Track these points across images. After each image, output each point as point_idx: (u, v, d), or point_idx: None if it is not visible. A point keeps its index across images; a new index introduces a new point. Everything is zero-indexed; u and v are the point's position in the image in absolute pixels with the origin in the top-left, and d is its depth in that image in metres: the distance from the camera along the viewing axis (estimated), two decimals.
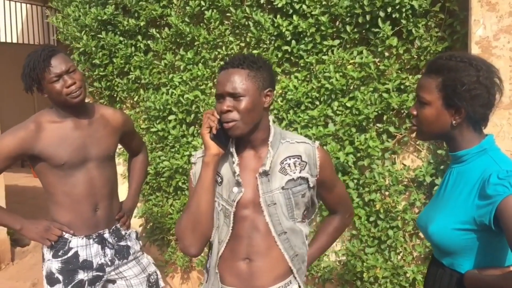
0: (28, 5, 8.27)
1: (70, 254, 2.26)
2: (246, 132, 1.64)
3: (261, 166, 1.67)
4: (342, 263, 3.23)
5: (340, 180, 1.92)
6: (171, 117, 3.58)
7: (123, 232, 2.43)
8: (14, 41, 8.16)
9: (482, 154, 1.53)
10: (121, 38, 3.73)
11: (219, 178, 1.72)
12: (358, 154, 3.03)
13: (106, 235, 2.35)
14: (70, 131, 2.23)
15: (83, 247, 2.29)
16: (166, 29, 3.56)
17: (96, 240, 2.31)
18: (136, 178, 2.66)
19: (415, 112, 1.61)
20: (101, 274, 2.33)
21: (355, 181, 3.06)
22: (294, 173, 1.69)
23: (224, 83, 1.62)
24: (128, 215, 2.52)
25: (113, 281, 2.42)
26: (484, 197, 1.43)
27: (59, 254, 2.26)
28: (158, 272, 2.54)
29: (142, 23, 3.62)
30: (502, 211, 1.37)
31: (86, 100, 2.35)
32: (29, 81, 2.17)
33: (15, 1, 8.03)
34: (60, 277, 2.25)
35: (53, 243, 2.25)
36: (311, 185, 1.72)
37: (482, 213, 1.43)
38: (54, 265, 2.26)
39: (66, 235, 2.27)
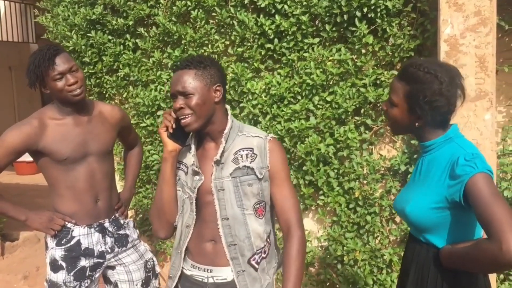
0: (5, 2, 8.15)
1: (72, 242, 2.38)
2: (200, 126, 1.79)
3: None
4: (323, 248, 3.41)
5: (292, 185, 1.88)
6: (160, 112, 3.72)
7: (122, 221, 2.56)
8: None
9: (448, 142, 1.70)
10: (110, 37, 3.84)
11: (185, 168, 1.89)
12: (338, 146, 3.21)
13: (106, 224, 2.48)
14: (71, 128, 2.34)
15: (85, 235, 2.40)
16: (154, 28, 3.68)
17: (97, 229, 2.44)
18: (132, 170, 2.80)
19: (385, 108, 1.80)
20: (101, 261, 2.45)
21: (335, 170, 3.24)
22: (244, 163, 1.81)
23: (175, 83, 1.77)
24: (126, 205, 2.65)
25: (113, 267, 2.54)
26: (454, 177, 1.58)
27: (62, 242, 2.37)
28: (155, 259, 2.66)
29: (130, 22, 3.73)
30: (470, 188, 1.53)
31: None
32: (33, 77, 2.27)
33: None
34: (64, 264, 2.37)
35: (56, 232, 2.38)
36: (259, 176, 1.81)
37: (452, 192, 1.59)
38: (58, 252, 2.37)
39: (69, 225, 2.38)
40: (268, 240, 1.89)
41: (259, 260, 1.86)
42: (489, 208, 1.48)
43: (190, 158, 1.87)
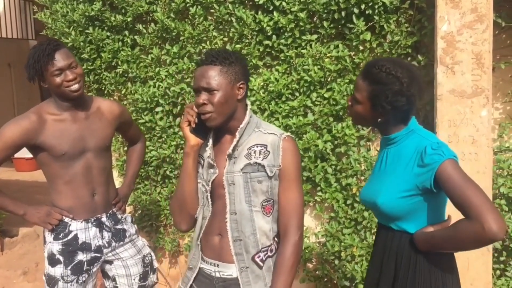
0: None
1: (70, 236, 2.40)
2: (221, 123, 1.80)
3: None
4: (321, 243, 3.43)
5: (301, 189, 1.85)
6: (158, 108, 3.73)
7: (119, 216, 2.58)
8: None
9: (410, 134, 1.82)
10: (109, 34, 3.85)
11: (202, 161, 1.91)
12: (336, 142, 3.22)
13: (104, 219, 2.50)
14: (69, 124, 2.36)
15: (82, 230, 2.43)
16: (152, 24, 3.69)
17: (94, 223, 2.46)
18: (133, 166, 2.81)
19: (350, 103, 1.90)
20: (99, 255, 2.48)
21: (333, 167, 3.26)
22: (256, 159, 1.81)
23: (200, 78, 1.77)
24: (124, 200, 2.67)
25: (110, 262, 2.56)
26: (423, 166, 1.70)
27: (60, 236, 2.40)
28: (153, 254, 2.68)
29: (129, 19, 3.74)
30: (441, 174, 1.65)
31: None
32: (33, 72, 2.29)
33: None
34: (61, 258, 2.39)
35: (54, 226, 2.40)
36: (270, 174, 1.79)
37: (423, 179, 1.70)
38: (55, 247, 2.40)
39: (66, 219, 2.40)
40: (275, 239, 1.89)
41: (264, 258, 1.85)
42: (464, 192, 1.61)
43: (206, 151, 1.88)
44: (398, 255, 1.83)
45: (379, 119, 1.83)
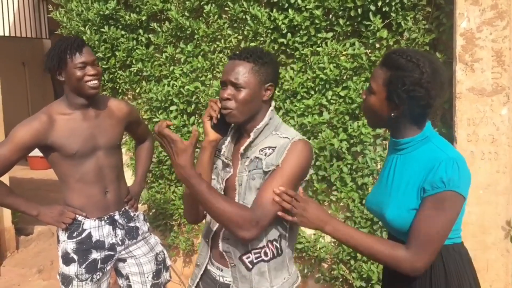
0: None
1: (84, 235, 2.41)
2: (241, 121, 1.76)
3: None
4: (336, 243, 3.39)
5: (286, 184, 1.69)
6: (173, 107, 3.72)
7: (131, 214, 2.58)
8: (6, 34, 8.12)
9: (425, 142, 1.66)
10: (123, 32, 3.85)
11: (221, 160, 1.87)
12: (352, 141, 3.18)
13: (117, 216, 2.50)
14: (79, 123, 2.37)
15: (95, 228, 2.43)
16: (167, 23, 3.68)
17: (107, 221, 2.46)
18: (142, 164, 2.82)
19: (364, 96, 1.73)
20: (112, 253, 2.48)
21: (349, 166, 3.22)
22: (257, 154, 1.75)
23: (229, 72, 1.73)
24: (136, 198, 2.67)
25: (124, 260, 2.56)
26: (428, 182, 1.57)
27: (74, 235, 2.41)
28: (165, 252, 2.68)
29: (143, 18, 3.73)
30: (433, 200, 1.56)
31: None
32: (56, 60, 2.30)
33: None
34: (75, 257, 2.40)
35: (67, 225, 2.40)
36: (265, 169, 1.71)
37: (423, 194, 1.60)
38: (69, 245, 2.41)
39: (80, 218, 2.41)
40: (273, 243, 1.77)
41: (255, 261, 1.76)
42: (429, 222, 1.56)
43: (223, 149, 1.85)
44: None
45: (393, 114, 1.64)
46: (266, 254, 1.77)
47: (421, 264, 1.57)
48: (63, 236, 2.44)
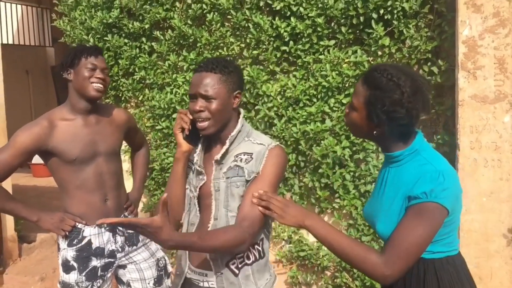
0: (23, 6, 8.25)
1: (83, 242, 2.39)
2: (216, 131, 1.79)
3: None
4: None
5: (271, 188, 1.74)
6: (175, 115, 3.74)
7: None
8: (10, 42, 8.14)
9: (415, 155, 1.62)
10: (126, 40, 3.87)
11: (192, 167, 1.90)
12: (354, 148, 3.18)
13: None
14: (80, 129, 2.38)
15: (95, 235, 2.42)
16: (170, 31, 3.70)
17: (107, 228, 2.44)
18: (140, 170, 2.83)
19: (347, 110, 1.70)
20: (112, 260, 2.46)
21: (351, 173, 3.21)
22: (237, 163, 1.78)
23: (198, 84, 1.75)
24: (135, 204, 2.68)
25: (124, 266, 2.54)
26: (412, 191, 1.54)
27: (74, 243, 2.39)
28: (167, 258, 2.66)
29: (146, 26, 3.75)
30: (413, 210, 1.52)
31: None
32: (70, 58, 2.35)
33: (10, 2, 8.01)
34: (75, 264, 2.38)
35: (67, 233, 2.40)
36: (247, 177, 1.75)
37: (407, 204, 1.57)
38: (69, 253, 2.39)
39: (79, 225, 2.40)
40: (255, 246, 1.82)
41: (239, 265, 1.80)
42: (407, 231, 1.51)
43: (196, 158, 1.87)
44: (407, 278, 1.66)
45: (375, 131, 1.61)
46: (248, 257, 1.82)
47: (391, 272, 1.51)
48: (63, 244, 2.43)
